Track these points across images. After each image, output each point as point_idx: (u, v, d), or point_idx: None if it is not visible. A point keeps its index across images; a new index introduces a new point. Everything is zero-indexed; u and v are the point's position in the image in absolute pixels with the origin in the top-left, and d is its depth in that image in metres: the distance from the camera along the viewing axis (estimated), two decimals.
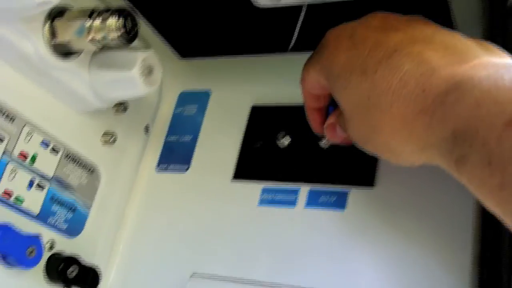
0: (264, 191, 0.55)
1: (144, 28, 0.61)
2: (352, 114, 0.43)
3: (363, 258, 0.49)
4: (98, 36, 0.44)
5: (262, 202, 0.55)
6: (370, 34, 0.41)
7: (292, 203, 0.53)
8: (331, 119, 0.48)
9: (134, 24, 0.45)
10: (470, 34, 0.40)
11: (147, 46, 0.50)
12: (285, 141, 0.55)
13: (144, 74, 0.48)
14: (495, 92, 0.32)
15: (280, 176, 0.55)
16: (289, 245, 0.52)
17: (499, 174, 0.31)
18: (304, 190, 0.54)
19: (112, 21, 0.43)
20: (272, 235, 0.53)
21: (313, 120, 0.52)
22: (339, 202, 0.51)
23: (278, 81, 0.59)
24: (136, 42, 0.47)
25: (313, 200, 0.53)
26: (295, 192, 0.54)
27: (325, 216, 0.52)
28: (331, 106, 0.50)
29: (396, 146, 0.40)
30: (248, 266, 0.53)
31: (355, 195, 0.51)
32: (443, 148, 0.35)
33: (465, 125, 0.33)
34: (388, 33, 0.40)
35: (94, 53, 0.50)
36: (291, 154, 0.55)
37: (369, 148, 0.43)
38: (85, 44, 0.46)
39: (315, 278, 0.50)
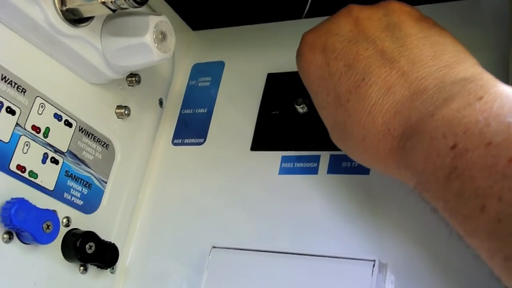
0: (284, 159, 0.54)
1: (155, 1, 0.59)
2: (332, 131, 0.44)
3: (388, 223, 0.48)
4: None
5: (283, 171, 0.54)
6: (340, 51, 0.41)
7: (314, 170, 0.52)
8: None
9: None
10: None
11: (159, 13, 0.48)
12: (305, 106, 0.54)
13: (158, 40, 0.47)
14: (436, 144, 0.34)
15: (300, 144, 0.54)
16: (311, 213, 0.51)
17: (455, 224, 0.33)
18: (324, 156, 0.52)
19: None
20: (294, 204, 0.52)
21: None
22: (363, 167, 0.50)
23: (293, 47, 0.58)
24: (147, 11, 0.46)
25: (335, 166, 0.51)
26: (316, 159, 0.52)
27: (349, 181, 0.50)
28: None
29: (377, 170, 0.42)
30: (269, 237, 0.52)
31: None
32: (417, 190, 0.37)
33: (422, 177, 0.35)
34: (358, 48, 0.40)
35: (105, 21, 0.49)
36: (309, 120, 0.54)
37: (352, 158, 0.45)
38: (96, 9, 0.44)
39: (338, 246, 0.48)
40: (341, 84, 0.41)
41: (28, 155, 0.46)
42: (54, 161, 0.49)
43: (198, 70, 0.64)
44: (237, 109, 0.59)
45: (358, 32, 0.41)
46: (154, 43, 0.47)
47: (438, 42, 0.40)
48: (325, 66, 0.42)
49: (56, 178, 0.49)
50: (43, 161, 0.48)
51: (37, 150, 0.47)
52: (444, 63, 0.38)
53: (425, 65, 0.38)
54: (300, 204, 0.52)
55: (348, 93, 0.40)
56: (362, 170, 0.50)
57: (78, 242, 0.48)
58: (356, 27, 0.42)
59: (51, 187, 0.48)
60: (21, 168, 0.46)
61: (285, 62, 0.58)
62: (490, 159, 0.31)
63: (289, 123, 0.55)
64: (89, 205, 0.52)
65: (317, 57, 0.43)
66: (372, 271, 0.44)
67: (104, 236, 0.51)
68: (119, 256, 0.52)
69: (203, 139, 0.60)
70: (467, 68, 0.38)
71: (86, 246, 0.49)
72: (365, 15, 0.42)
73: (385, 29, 0.41)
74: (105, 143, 0.54)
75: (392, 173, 0.40)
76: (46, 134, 0.48)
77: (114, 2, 0.43)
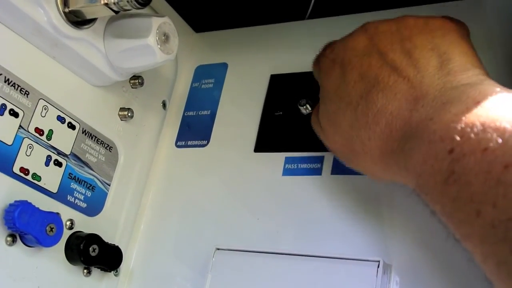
0: (288, 160, 0.54)
1: (157, 3, 0.59)
2: (335, 136, 0.45)
3: (393, 223, 0.48)
4: (112, 0, 0.43)
5: (286, 172, 0.53)
6: (356, 63, 0.43)
7: (318, 171, 0.52)
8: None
9: None
10: None
11: (161, 15, 0.48)
12: (308, 107, 0.54)
13: (161, 41, 0.47)
14: (434, 148, 0.35)
15: (303, 145, 0.54)
16: (315, 214, 0.51)
17: (452, 228, 0.34)
18: (328, 157, 0.52)
19: None
20: (298, 205, 0.52)
21: None
22: None
23: (296, 48, 0.58)
24: (150, 12, 0.46)
25: (339, 167, 0.51)
26: (320, 159, 0.52)
27: (353, 182, 0.50)
28: None
29: (376, 173, 0.44)
30: (273, 238, 0.52)
31: None
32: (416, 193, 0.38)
33: (421, 180, 0.36)
34: (370, 60, 0.42)
35: (108, 23, 0.49)
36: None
37: (346, 163, 0.47)
38: (99, 10, 0.44)
39: (343, 247, 0.48)
40: (354, 91, 0.42)
41: (31, 158, 0.46)
42: (58, 164, 0.49)
43: (201, 72, 0.64)
44: (240, 111, 0.59)
45: (372, 46, 0.43)
46: (157, 45, 0.47)
47: (447, 52, 0.40)
48: (342, 76, 0.44)
49: (60, 181, 0.49)
50: (47, 164, 0.48)
51: (40, 153, 0.47)
52: (448, 71, 0.39)
53: (430, 73, 0.39)
54: (304, 205, 0.51)
55: (359, 99, 0.42)
56: None
57: (81, 245, 0.48)
58: (370, 42, 0.43)
59: (54, 189, 0.48)
60: (24, 170, 0.46)
61: (288, 63, 0.58)
62: (486, 165, 0.31)
63: (293, 124, 0.55)
64: (93, 207, 0.52)
65: (335, 69, 0.45)
66: (377, 272, 0.44)
67: (107, 238, 0.51)
68: (123, 259, 0.52)
69: (206, 141, 0.60)
70: (470, 76, 0.39)
71: (90, 248, 0.49)
72: (380, 30, 0.44)
73: (397, 42, 0.42)
74: (108, 145, 0.54)
75: (393, 176, 0.41)
76: (49, 137, 0.48)
77: (117, 3, 0.43)
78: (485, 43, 0.49)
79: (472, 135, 0.33)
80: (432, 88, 0.38)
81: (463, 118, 0.34)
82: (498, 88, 0.36)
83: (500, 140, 0.31)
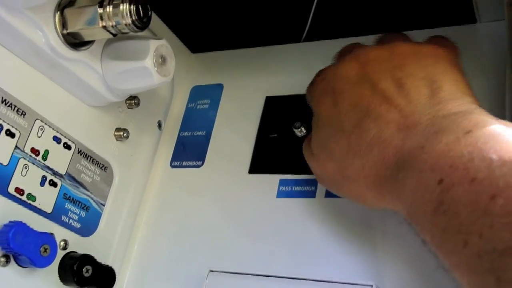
0: (282, 182, 0.54)
1: (154, 23, 0.60)
2: (327, 162, 0.46)
3: (386, 247, 0.48)
4: (110, 23, 0.43)
5: (281, 194, 0.54)
6: (347, 92, 0.43)
7: (312, 193, 0.52)
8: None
9: (146, 10, 0.44)
10: None
11: (159, 37, 0.49)
12: (303, 130, 0.54)
13: (158, 64, 0.47)
14: (425, 178, 0.35)
15: (297, 168, 0.54)
16: (309, 237, 0.51)
17: (441, 257, 0.35)
18: None
19: (125, 7, 0.43)
20: (292, 228, 0.52)
21: None
22: None
23: (292, 71, 0.59)
24: (148, 34, 0.46)
25: None
26: (314, 182, 0.52)
27: (346, 205, 0.50)
28: None
29: (368, 200, 0.44)
30: (267, 261, 0.52)
31: None
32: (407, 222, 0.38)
33: (412, 210, 0.37)
34: (362, 89, 0.42)
35: (106, 44, 0.49)
36: None
37: (334, 190, 0.48)
38: (97, 33, 0.45)
39: (336, 270, 0.48)
40: (347, 120, 0.43)
41: (26, 178, 0.46)
42: (53, 184, 0.49)
43: (197, 93, 0.65)
44: (235, 132, 0.60)
45: (363, 74, 0.43)
46: (154, 67, 0.47)
47: (437, 81, 0.41)
48: (334, 105, 0.44)
49: (54, 201, 0.49)
50: (42, 184, 0.48)
51: (36, 173, 0.47)
52: (440, 100, 0.39)
53: (421, 103, 0.40)
54: (298, 228, 0.52)
55: (352, 127, 0.42)
56: None
57: (75, 266, 0.48)
58: (362, 70, 0.44)
59: (49, 209, 0.48)
60: (19, 191, 0.46)
61: (284, 86, 0.59)
62: (474, 195, 0.32)
63: (287, 147, 0.55)
64: (87, 228, 0.52)
65: (327, 97, 0.45)
66: None
67: (101, 259, 0.51)
68: (116, 280, 0.52)
69: (201, 162, 0.60)
70: (461, 104, 0.39)
71: (83, 269, 0.48)
72: (371, 58, 0.44)
73: (388, 71, 0.43)
74: (103, 165, 0.54)
75: (386, 204, 0.42)
76: (45, 157, 0.48)
77: (115, 26, 0.43)
78: (477, 70, 0.50)
79: (461, 165, 0.33)
80: (423, 117, 0.39)
81: (453, 147, 0.34)
82: (488, 118, 0.36)
83: (486, 171, 0.32)
